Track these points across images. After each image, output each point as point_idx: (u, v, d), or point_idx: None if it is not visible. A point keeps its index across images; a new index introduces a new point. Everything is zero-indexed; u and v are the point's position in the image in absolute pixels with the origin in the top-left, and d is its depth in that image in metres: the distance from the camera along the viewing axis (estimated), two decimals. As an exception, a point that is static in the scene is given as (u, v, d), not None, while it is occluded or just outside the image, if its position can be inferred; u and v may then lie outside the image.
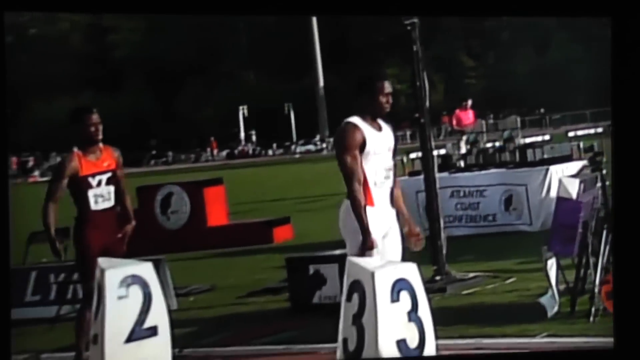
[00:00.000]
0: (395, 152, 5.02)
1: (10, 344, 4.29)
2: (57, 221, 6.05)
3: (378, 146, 4.88)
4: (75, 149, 6.07)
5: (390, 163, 4.95)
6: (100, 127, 6.09)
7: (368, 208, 4.82)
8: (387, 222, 4.93)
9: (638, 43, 4.20)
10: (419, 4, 4.87)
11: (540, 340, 5.51)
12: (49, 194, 6.08)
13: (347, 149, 4.83)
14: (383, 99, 4.92)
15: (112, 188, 6.11)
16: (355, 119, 4.90)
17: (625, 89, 4.23)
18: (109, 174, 6.11)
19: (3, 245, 4.16)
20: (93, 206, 6.04)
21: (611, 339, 5.21)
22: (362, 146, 4.84)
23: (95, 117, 6.09)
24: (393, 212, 4.98)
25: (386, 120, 5.04)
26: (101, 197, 6.07)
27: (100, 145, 6.11)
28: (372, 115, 4.92)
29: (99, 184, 6.07)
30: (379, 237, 4.85)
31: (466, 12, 5.15)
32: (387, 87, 4.96)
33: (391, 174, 4.95)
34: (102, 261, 5.01)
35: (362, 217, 4.77)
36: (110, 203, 6.12)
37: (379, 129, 4.94)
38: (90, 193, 6.03)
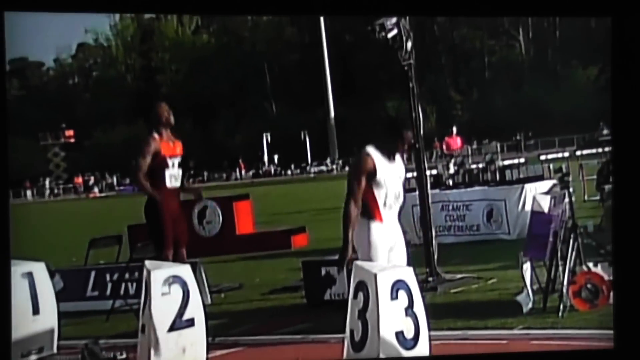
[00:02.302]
0: (405, 179, 4.82)
1: (11, 344, 4.09)
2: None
3: (388, 174, 4.67)
4: (154, 133, 5.80)
5: (400, 189, 4.74)
6: (172, 115, 5.81)
7: (377, 223, 4.65)
8: (394, 237, 4.77)
9: (638, 43, 3.76)
10: (426, 4, 4.39)
11: (517, 332, 5.47)
12: (140, 169, 5.83)
13: (357, 174, 4.63)
14: (403, 146, 4.71)
15: (181, 171, 5.90)
16: (371, 149, 4.67)
17: (625, 89, 3.80)
18: (179, 159, 5.90)
19: (4, 252, 3.93)
20: (168, 184, 5.83)
21: (578, 331, 5.18)
22: (374, 173, 4.62)
23: (166, 106, 5.86)
24: (399, 228, 4.81)
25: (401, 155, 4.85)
26: (174, 177, 5.86)
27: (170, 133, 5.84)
28: (389, 150, 4.69)
29: (174, 165, 5.85)
30: (386, 248, 4.68)
31: (468, 12, 4.67)
32: (410, 137, 4.74)
33: (401, 197, 4.75)
34: (148, 264, 5.01)
35: (347, 231, 4.55)
36: (178, 183, 5.89)
37: (392, 159, 4.72)
38: (167, 172, 5.82)
